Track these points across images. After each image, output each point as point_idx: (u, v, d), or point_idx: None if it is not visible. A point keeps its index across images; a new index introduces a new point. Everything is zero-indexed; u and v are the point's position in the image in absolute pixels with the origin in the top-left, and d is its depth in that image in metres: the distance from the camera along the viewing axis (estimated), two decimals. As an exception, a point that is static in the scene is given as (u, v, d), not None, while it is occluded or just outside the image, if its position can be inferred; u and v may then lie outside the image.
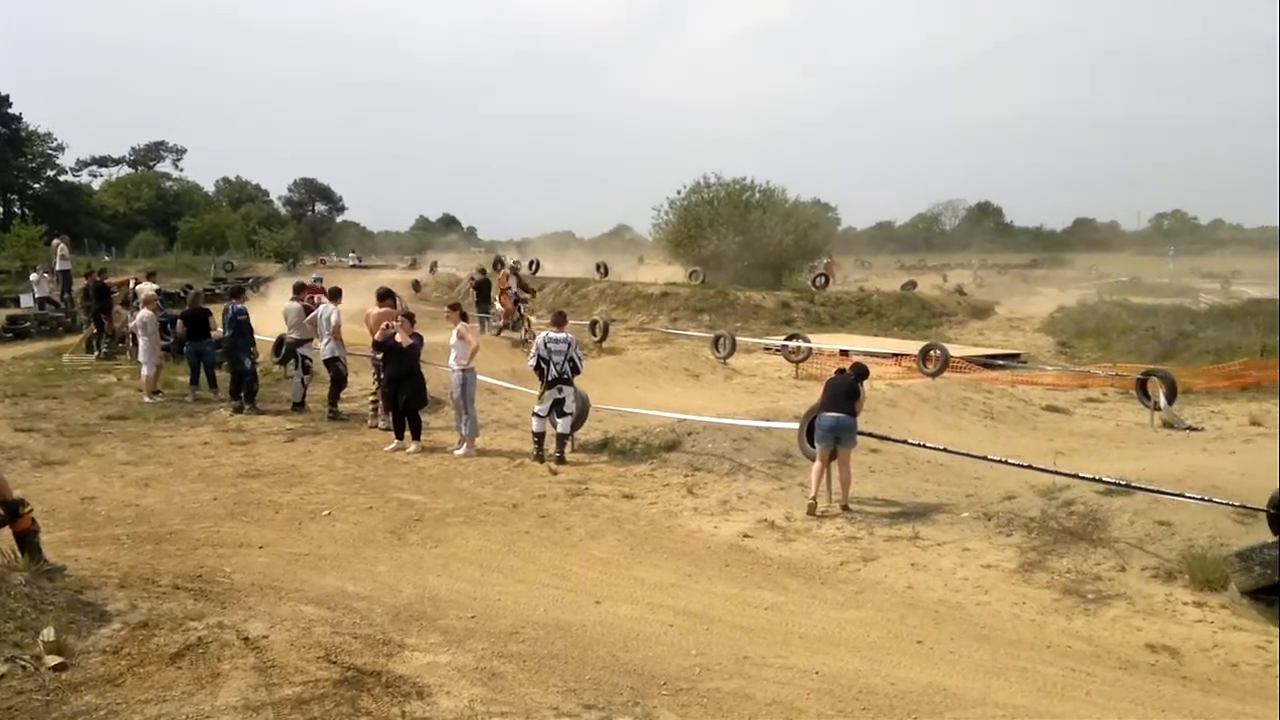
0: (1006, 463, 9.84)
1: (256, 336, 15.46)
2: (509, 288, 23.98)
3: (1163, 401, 15.45)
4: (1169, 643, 6.69)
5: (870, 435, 10.84)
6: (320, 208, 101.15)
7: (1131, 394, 17.09)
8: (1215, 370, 20.62)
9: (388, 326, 12.51)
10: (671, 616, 6.99)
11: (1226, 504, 8.31)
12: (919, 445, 10.80)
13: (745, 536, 9.11)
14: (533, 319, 23.63)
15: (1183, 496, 8.48)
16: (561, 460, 11.66)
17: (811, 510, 9.53)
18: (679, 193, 40.52)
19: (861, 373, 10.22)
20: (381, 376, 12.94)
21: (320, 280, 22.99)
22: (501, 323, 23.89)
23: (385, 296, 13.78)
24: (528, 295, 24.71)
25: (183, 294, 25.85)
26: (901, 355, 21.10)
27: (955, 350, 20.95)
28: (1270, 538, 7.24)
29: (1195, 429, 14.98)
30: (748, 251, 37.28)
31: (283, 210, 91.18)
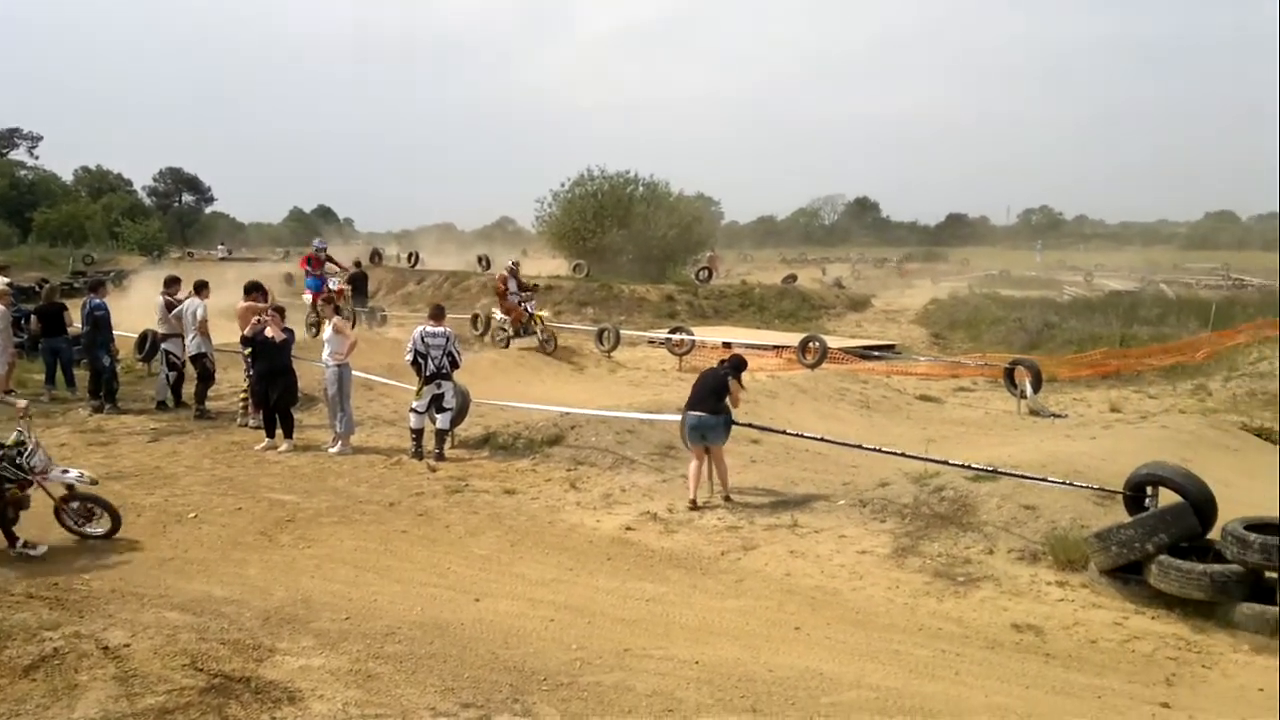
0: (881, 451, 10.08)
1: (116, 333, 14.75)
2: (509, 291, 21.08)
3: (1029, 390, 16.06)
4: (1033, 621, 6.93)
5: (750, 426, 10.96)
6: (188, 198, 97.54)
7: (1000, 383, 17.73)
8: (1078, 359, 21.56)
9: (258, 321, 12.09)
10: (552, 611, 6.95)
11: (1086, 487, 8.68)
12: (797, 435, 10.97)
13: (627, 529, 9.10)
14: (545, 314, 21.45)
15: (1046, 481, 8.82)
16: (440, 457, 11.46)
17: (694, 505, 9.58)
18: (563, 185, 40.43)
19: (738, 365, 10.18)
20: (251, 373, 12.50)
21: (323, 248, 22.30)
22: (510, 331, 20.95)
23: (253, 290, 13.31)
24: (529, 293, 21.60)
25: (37, 288, 24.47)
26: (782, 347, 21.44)
27: (833, 342, 21.42)
28: (1127, 518, 7.57)
29: (1059, 416, 15.62)
30: (632, 245, 37.47)
31: (147, 201, 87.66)
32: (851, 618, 7.07)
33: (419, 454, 11.49)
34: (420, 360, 11.59)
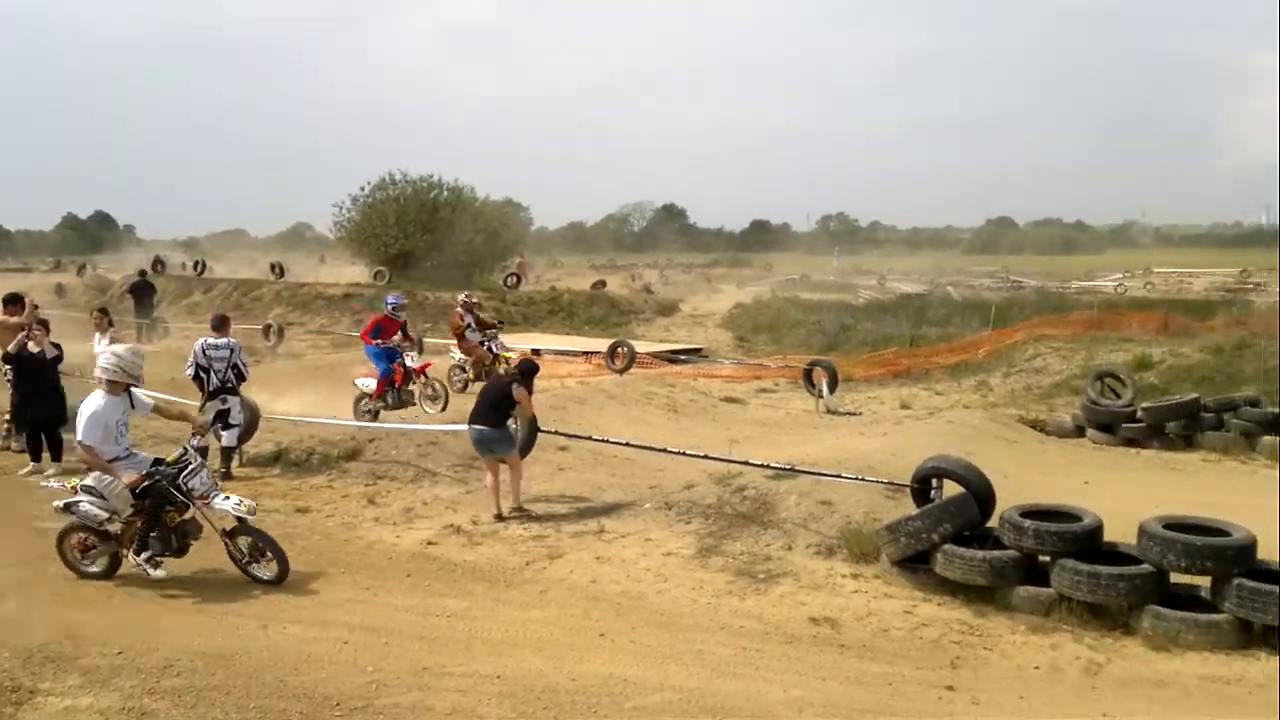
0: (685, 454, 10.17)
1: None
2: (467, 327, 16.97)
3: (825, 390, 16.65)
4: (829, 614, 7.11)
5: (557, 433, 10.88)
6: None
7: (800, 383, 18.32)
8: (872, 359, 22.60)
9: (24, 336, 11.12)
10: (346, 633, 6.68)
11: (878, 482, 9.02)
12: (604, 441, 10.94)
13: (429, 544, 8.83)
14: (511, 355, 16.83)
15: (841, 477, 9.11)
16: (227, 475, 10.80)
17: (499, 516, 9.39)
18: (363, 190, 39.11)
19: (526, 371, 9.96)
20: (14, 392, 11.47)
21: (401, 304, 15.66)
22: (470, 374, 16.91)
23: (11, 302, 12.21)
24: (493, 330, 17.42)
25: None
26: (591, 353, 21.48)
27: (641, 347, 21.61)
28: (915, 510, 7.89)
29: (854, 414, 16.27)
30: (437, 251, 36.69)
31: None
32: (656, 620, 7.09)
33: (204, 473, 10.82)
34: (202, 374, 10.91)
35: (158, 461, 7.73)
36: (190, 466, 7.56)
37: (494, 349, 16.94)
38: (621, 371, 18.53)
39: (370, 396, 14.46)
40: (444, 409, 14.05)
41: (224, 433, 10.99)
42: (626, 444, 10.74)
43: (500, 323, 19.08)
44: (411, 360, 14.65)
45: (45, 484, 8.21)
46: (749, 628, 6.95)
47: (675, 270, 62.97)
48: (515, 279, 35.29)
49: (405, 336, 15.10)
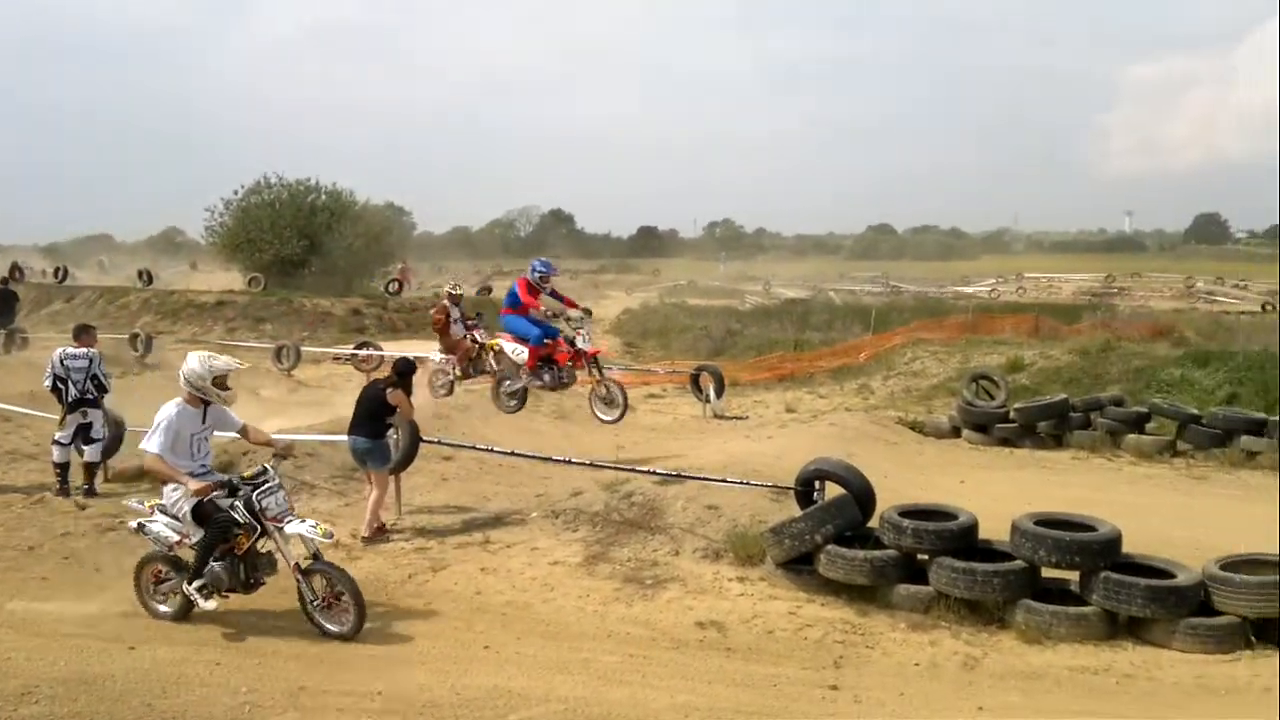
0: (572, 462, 10.10)
1: None
2: (451, 322, 15.05)
3: (712, 395, 16.78)
4: (716, 618, 7.14)
5: (441, 443, 10.66)
6: None
7: (687, 389, 18.41)
8: (758, 363, 22.89)
9: None
10: (219, 654, 6.43)
11: (763, 485, 9.09)
12: (489, 450, 10.80)
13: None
14: (497, 344, 13.35)
15: (726, 481, 9.15)
16: (91, 492, 10.24)
17: (380, 529, 9.14)
18: (236, 193, 37.70)
19: (403, 371, 9.55)
20: None
21: (550, 272, 12.74)
22: (455, 373, 14.75)
23: None
24: (475, 320, 15.54)
25: None
26: (476, 360, 21.16)
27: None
28: (799, 512, 7.97)
29: (740, 418, 16.45)
30: (316, 256, 35.68)
31: None
32: (542, 630, 7.02)
33: (65, 490, 10.23)
34: (60, 385, 10.33)
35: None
36: (267, 484, 6.93)
37: (478, 337, 14.64)
38: (508, 379, 18.26)
39: (522, 369, 12.38)
40: (621, 417, 12.11)
41: (86, 447, 10.41)
42: (512, 453, 10.61)
43: (480, 314, 16.97)
44: (584, 341, 12.21)
45: (125, 502, 7.73)
46: (636, 634, 6.92)
47: (563, 276, 62.72)
48: (397, 285, 34.60)
49: (567, 300, 12.99)
